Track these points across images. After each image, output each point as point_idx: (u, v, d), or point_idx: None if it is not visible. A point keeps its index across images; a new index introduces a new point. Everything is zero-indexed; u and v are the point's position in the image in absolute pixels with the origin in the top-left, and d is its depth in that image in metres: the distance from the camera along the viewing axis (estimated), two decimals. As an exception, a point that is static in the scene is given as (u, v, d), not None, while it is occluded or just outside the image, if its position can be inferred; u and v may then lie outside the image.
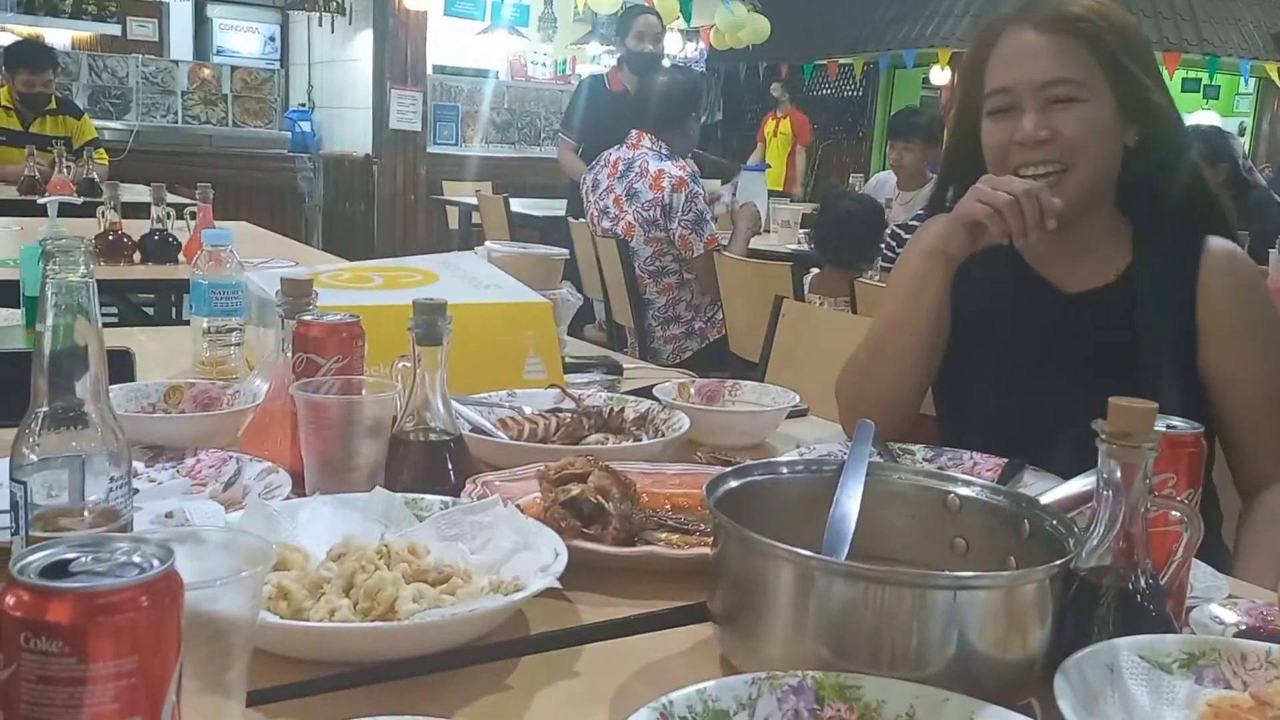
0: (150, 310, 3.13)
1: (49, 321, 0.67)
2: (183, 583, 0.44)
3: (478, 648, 0.73)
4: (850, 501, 0.81)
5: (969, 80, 1.33)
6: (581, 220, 3.82)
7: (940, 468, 1.20)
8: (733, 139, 10.19)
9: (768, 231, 4.55)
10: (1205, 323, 1.25)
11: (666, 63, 3.71)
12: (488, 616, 0.72)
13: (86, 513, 0.70)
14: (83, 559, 0.43)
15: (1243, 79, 9.32)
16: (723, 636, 0.75)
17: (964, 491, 0.83)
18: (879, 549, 0.82)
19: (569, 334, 1.97)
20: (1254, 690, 0.66)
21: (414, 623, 0.70)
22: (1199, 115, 9.58)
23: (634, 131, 3.46)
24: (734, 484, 0.81)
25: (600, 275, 3.72)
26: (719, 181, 4.82)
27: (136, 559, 0.44)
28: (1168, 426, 0.81)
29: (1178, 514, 0.77)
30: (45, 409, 0.69)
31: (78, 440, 0.69)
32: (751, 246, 3.81)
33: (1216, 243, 1.28)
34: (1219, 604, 0.86)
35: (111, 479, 0.70)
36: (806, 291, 3.04)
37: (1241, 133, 9.99)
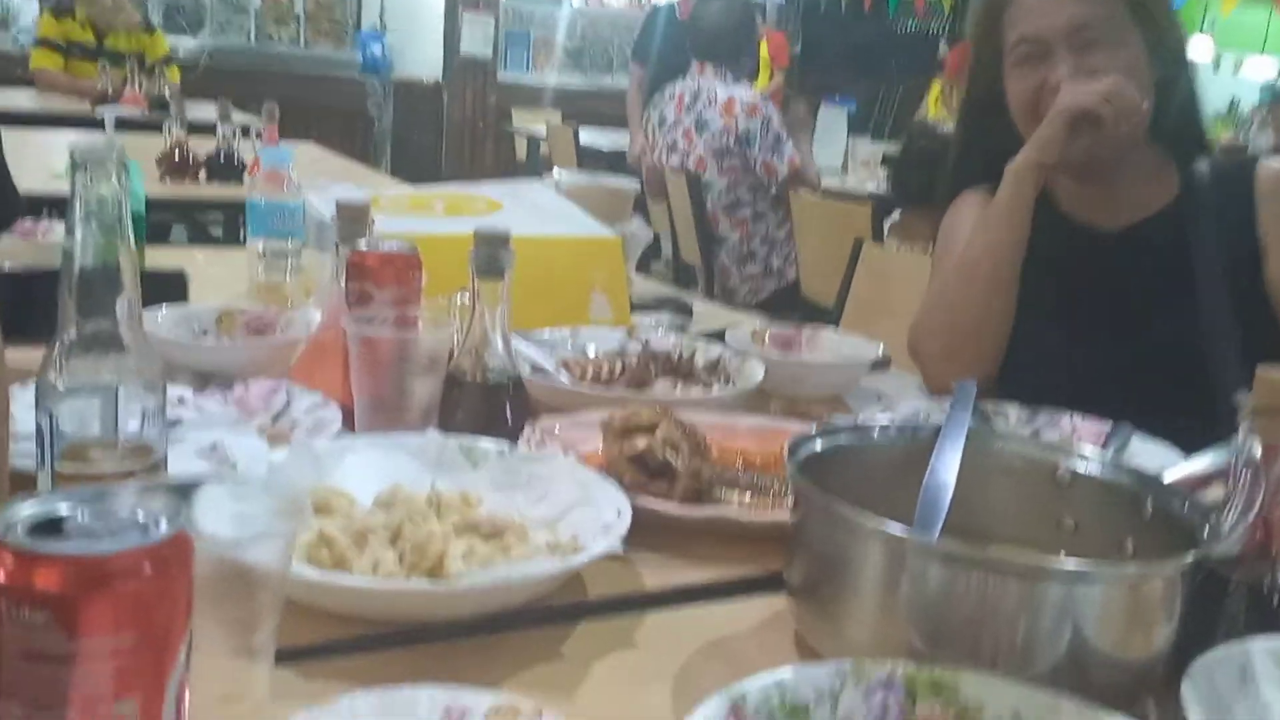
0: (218, 231, 3.11)
1: (78, 237, 0.62)
2: (192, 544, 0.38)
3: (530, 611, 0.67)
4: (947, 471, 0.72)
5: (985, 34, 1.27)
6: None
7: (1036, 430, 1.11)
8: (811, 72, 9.88)
9: (847, 172, 4.39)
10: (1268, 237, 1.20)
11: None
12: (542, 580, 0.66)
13: (119, 446, 0.65)
14: (79, 516, 0.37)
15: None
16: (799, 613, 0.68)
17: (1077, 465, 0.74)
18: (976, 525, 0.74)
19: (636, 272, 1.90)
20: None
21: (463, 584, 0.64)
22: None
23: (694, 62, 3.34)
24: (819, 446, 0.73)
25: (669, 212, 3.61)
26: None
27: (140, 517, 0.38)
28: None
29: (1327, 503, 0.68)
30: (74, 333, 0.63)
31: (109, 368, 0.64)
32: (827, 185, 3.67)
33: (1269, 160, 1.24)
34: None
35: (145, 411, 0.65)
36: (886, 235, 2.91)
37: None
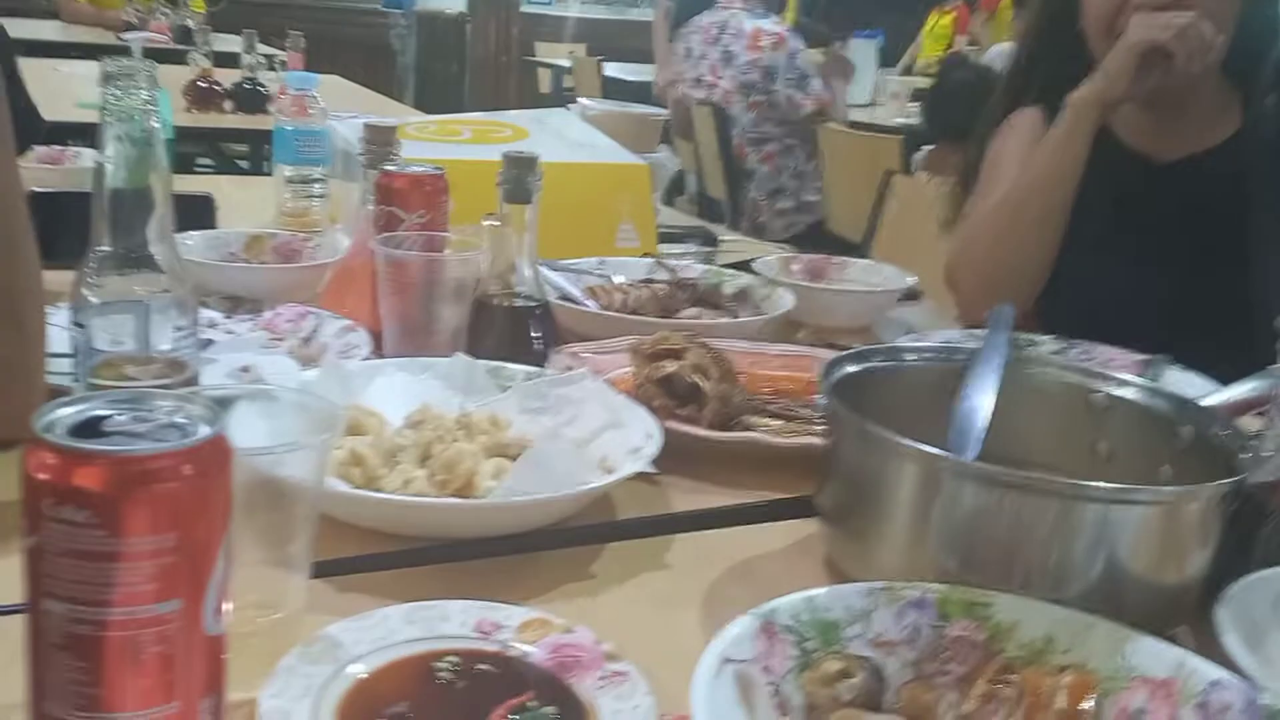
0: (245, 163, 3.10)
1: (109, 152, 0.61)
2: (231, 449, 0.38)
3: (560, 531, 0.67)
4: (982, 395, 0.71)
5: None
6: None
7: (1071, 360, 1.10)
8: (840, 5, 9.66)
9: (876, 104, 4.30)
10: None
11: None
12: (573, 500, 0.66)
13: (153, 361, 0.65)
14: (119, 417, 0.37)
15: None
16: (830, 537, 0.68)
17: (1115, 390, 0.73)
18: (1012, 451, 0.72)
19: (663, 204, 1.88)
20: None
21: (494, 501, 0.64)
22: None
23: None
24: (852, 369, 0.72)
25: (695, 147, 3.57)
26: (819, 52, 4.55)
27: (180, 420, 0.38)
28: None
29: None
30: (107, 249, 0.63)
31: (142, 284, 0.64)
32: (856, 119, 3.60)
33: None
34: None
35: (178, 327, 0.65)
36: (914, 169, 2.86)
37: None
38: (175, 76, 2.62)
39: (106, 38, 4.03)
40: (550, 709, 0.50)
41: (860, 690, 0.52)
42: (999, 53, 3.71)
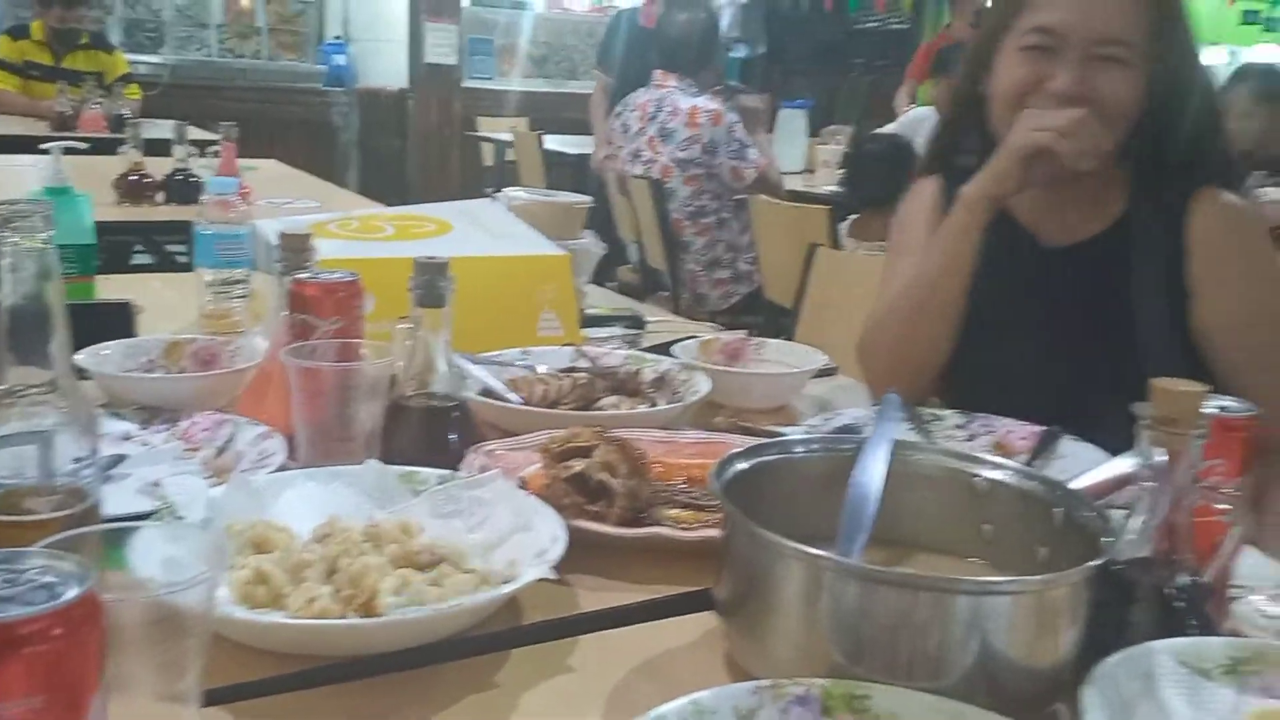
0: (178, 249, 3.10)
1: (5, 289, 0.63)
2: (101, 605, 0.40)
3: (463, 641, 0.69)
4: (871, 484, 0.75)
5: (1001, 13, 1.25)
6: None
7: (971, 435, 1.14)
8: (775, 73, 9.92)
9: (810, 172, 4.42)
10: (1198, 273, 1.19)
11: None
12: (472, 611, 0.68)
13: (54, 493, 0.66)
14: (-12, 581, 0.39)
15: (1308, 9, 8.87)
16: (728, 632, 0.71)
17: (993, 474, 0.76)
18: (902, 533, 0.76)
19: (598, 280, 1.92)
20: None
21: (393, 618, 0.65)
22: (1259, 49, 9.15)
23: (657, 72, 3.38)
24: (743, 465, 0.75)
25: (635, 219, 3.64)
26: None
27: (50, 579, 0.39)
28: (1219, 408, 0.74)
29: (1225, 505, 0.71)
30: (5, 382, 0.65)
31: (42, 416, 0.65)
32: (791, 187, 3.70)
33: (1210, 191, 1.20)
34: (1268, 594, 0.80)
35: (78, 457, 0.66)
36: (844, 235, 2.95)
37: (1306, 66, 9.56)
38: (108, 169, 2.63)
39: (40, 128, 4.03)
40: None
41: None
42: (915, 119, 3.84)
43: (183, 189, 2.53)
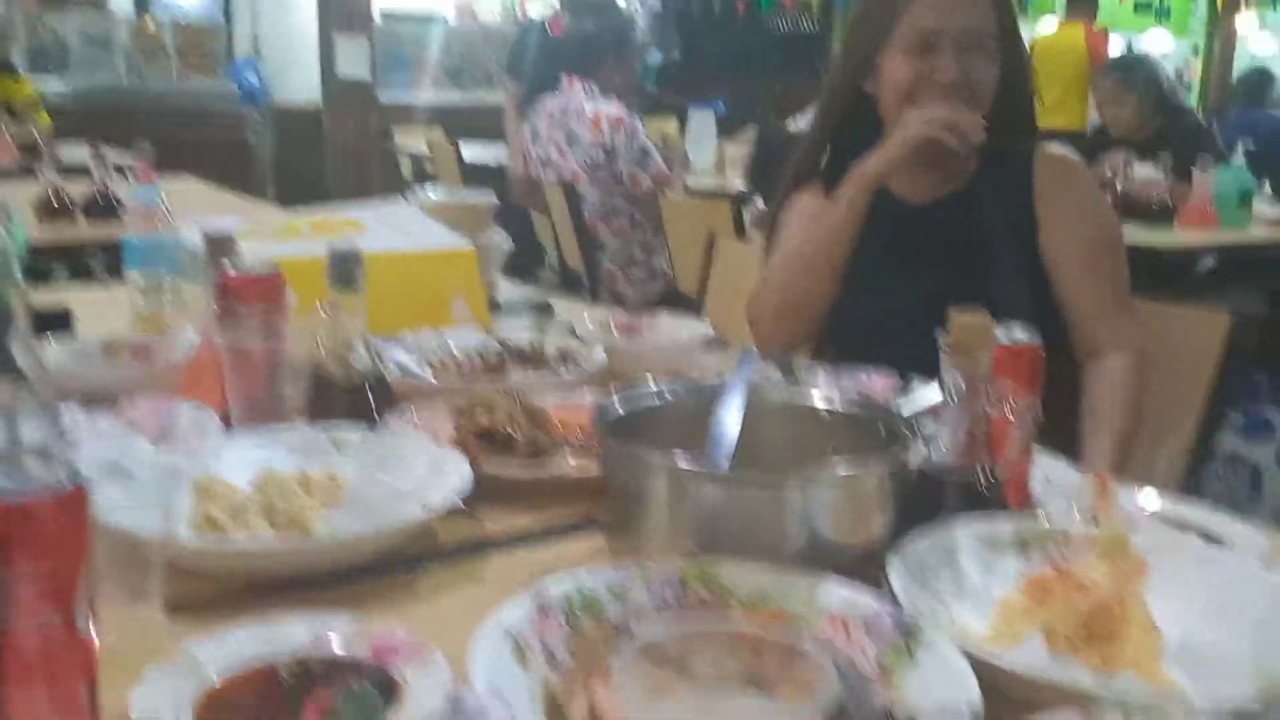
0: (102, 269, 3.14)
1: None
2: (88, 496, 0.52)
3: (388, 560, 0.81)
4: (729, 418, 0.88)
5: (876, 21, 1.44)
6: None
7: (839, 386, 1.29)
8: (689, 76, 10.13)
9: (720, 172, 4.58)
10: (1042, 209, 1.43)
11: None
12: (396, 531, 0.80)
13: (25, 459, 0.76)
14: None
15: (1195, -1, 9.37)
16: (611, 544, 0.84)
17: (831, 406, 0.91)
18: (761, 462, 0.90)
19: (512, 278, 2.04)
20: (1061, 565, 0.75)
21: (327, 536, 0.77)
22: (1151, 35, 9.64)
23: (564, 76, 3.50)
24: (622, 408, 0.89)
25: (551, 221, 3.76)
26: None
27: (48, 476, 0.51)
28: (1011, 335, 0.89)
29: (1013, 416, 0.86)
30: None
31: (9, 392, 0.76)
32: (698, 185, 3.86)
33: (1051, 146, 1.48)
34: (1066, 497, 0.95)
35: (46, 429, 0.77)
36: (749, 227, 3.10)
37: (1195, 53, 10.08)
38: (25, 193, 2.68)
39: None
40: (370, 687, 0.63)
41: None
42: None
43: (103, 208, 2.59)
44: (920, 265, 1.44)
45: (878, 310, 1.44)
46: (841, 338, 1.50)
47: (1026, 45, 1.56)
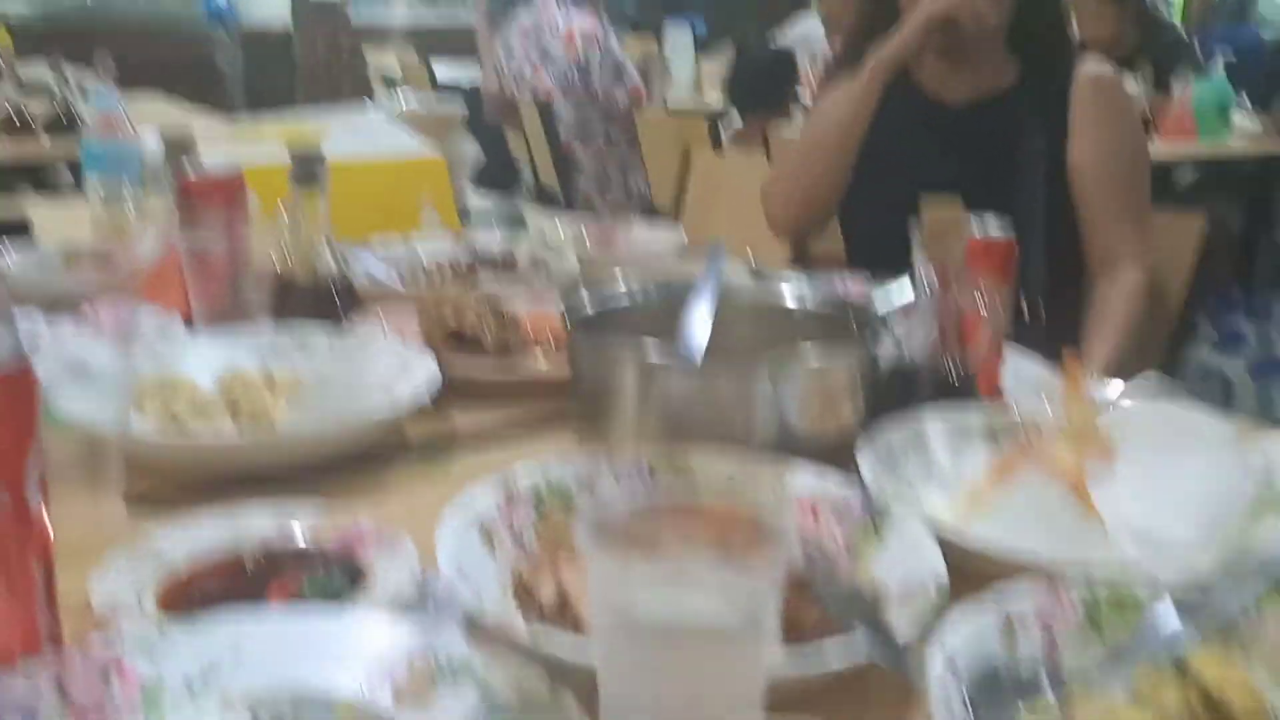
0: (65, 185, 3.07)
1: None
2: (35, 377, 0.50)
3: (356, 455, 0.80)
4: (700, 315, 0.87)
5: None
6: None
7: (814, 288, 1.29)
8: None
9: (698, 90, 4.51)
10: (1075, 127, 1.43)
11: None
12: (361, 425, 0.79)
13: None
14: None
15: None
16: (581, 436, 0.83)
17: (803, 305, 0.91)
18: (735, 356, 0.89)
19: (484, 189, 2.01)
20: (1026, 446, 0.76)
21: (290, 431, 0.76)
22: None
23: None
24: (591, 308, 0.88)
25: (525, 139, 3.70)
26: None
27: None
28: (985, 228, 0.88)
29: (984, 310, 0.85)
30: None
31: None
32: (677, 104, 3.80)
33: (1089, 64, 1.48)
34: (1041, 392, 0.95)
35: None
36: (726, 144, 3.06)
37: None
38: (-16, 111, 2.60)
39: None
40: (336, 570, 0.63)
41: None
42: (803, 35, 3.95)
43: (66, 126, 2.52)
44: (948, 162, 1.44)
45: (900, 205, 1.43)
46: (862, 231, 1.52)
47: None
